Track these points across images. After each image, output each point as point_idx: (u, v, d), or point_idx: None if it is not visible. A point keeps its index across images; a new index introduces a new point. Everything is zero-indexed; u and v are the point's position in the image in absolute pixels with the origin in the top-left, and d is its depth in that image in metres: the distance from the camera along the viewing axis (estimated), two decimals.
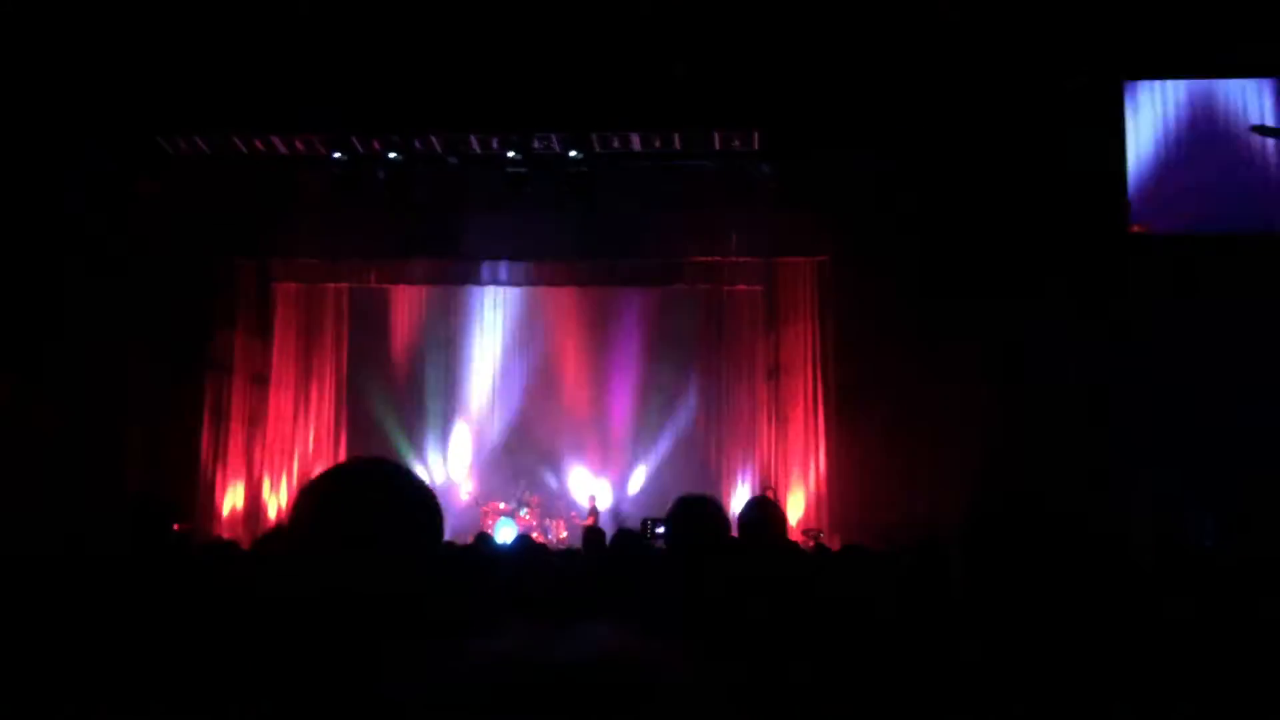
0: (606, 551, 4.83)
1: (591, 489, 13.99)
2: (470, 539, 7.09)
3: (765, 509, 3.45)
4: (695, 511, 2.97)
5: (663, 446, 14.08)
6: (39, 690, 2.39)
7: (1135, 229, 10.75)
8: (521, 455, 14.15)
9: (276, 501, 13.51)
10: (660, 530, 7.95)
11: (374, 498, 1.50)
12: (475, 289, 14.41)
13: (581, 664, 0.75)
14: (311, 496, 1.54)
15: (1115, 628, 2.06)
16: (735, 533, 3.42)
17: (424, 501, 1.53)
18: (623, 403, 14.37)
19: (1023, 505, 2.07)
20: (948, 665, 1.95)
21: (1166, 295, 10.40)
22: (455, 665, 0.80)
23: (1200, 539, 8.85)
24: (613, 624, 0.79)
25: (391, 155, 11.78)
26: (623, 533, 4.50)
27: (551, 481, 14.06)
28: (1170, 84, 11.03)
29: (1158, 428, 10.21)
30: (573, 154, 11.63)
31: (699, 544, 2.84)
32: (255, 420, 13.42)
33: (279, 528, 7.80)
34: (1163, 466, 9.99)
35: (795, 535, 11.35)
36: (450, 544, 6.11)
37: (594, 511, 13.41)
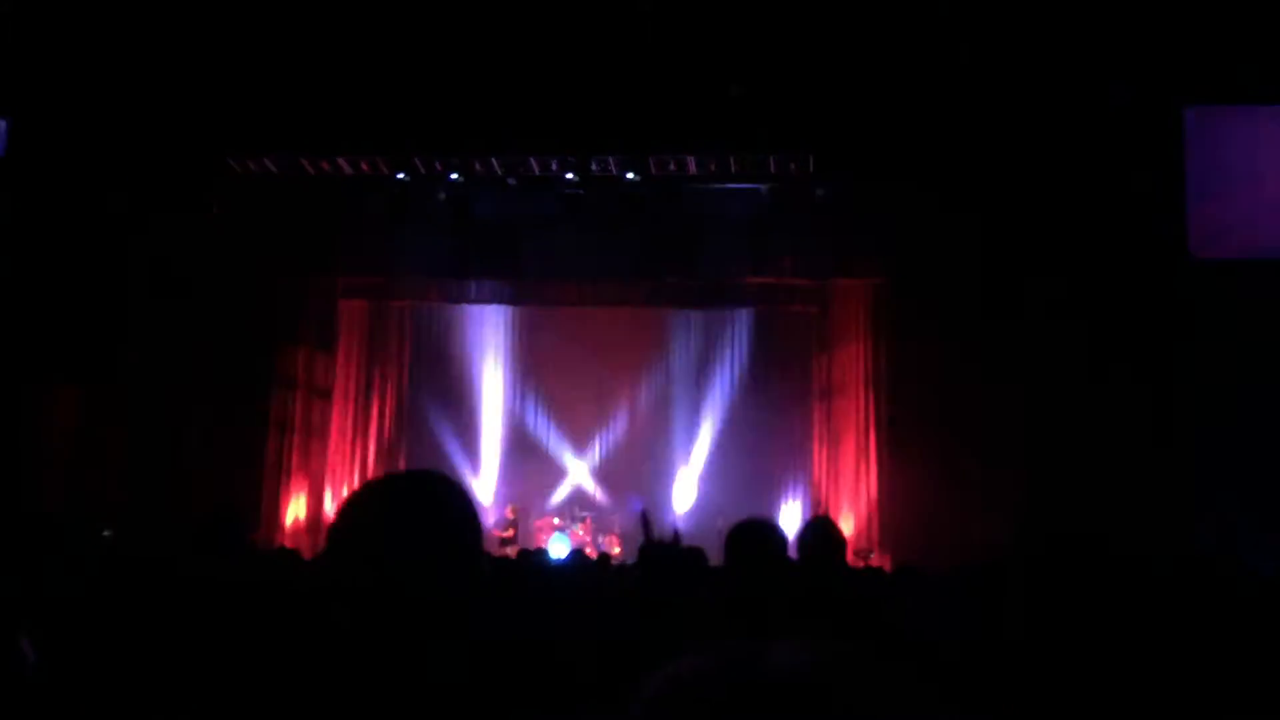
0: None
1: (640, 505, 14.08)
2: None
3: (825, 531, 3.43)
4: (756, 536, 3.03)
5: (715, 465, 14.14)
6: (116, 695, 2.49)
7: (1196, 255, 10.62)
8: (575, 471, 14.31)
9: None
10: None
11: (411, 512, 1.54)
12: (532, 308, 14.62)
13: (802, 672, 0.75)
14: (354, 508, 1.57)
15: (1176, 656, 2.04)
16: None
17: (463, 517, 1.57)
18: (676, 421, 14.46)
19: (1080, 539, 2.09)
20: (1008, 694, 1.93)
21: (1226, 322, 10.28)
22: (664, 680, 0.78)
23: (1264, 567, 8.71)
24: (809, 636, 0.79)
25: (452, 176, 12.01)
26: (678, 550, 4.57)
27: (604, 498, 14.20)
28: (1231, 108, 10.91)
29: (1219, 455, 10.08)
30: (630, 176, 11.79)
31: (759, 569, 2.90)
32: (318, 433, 13.68)
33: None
34: (1223, 493, 9.86)
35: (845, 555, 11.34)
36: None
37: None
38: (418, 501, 1.55)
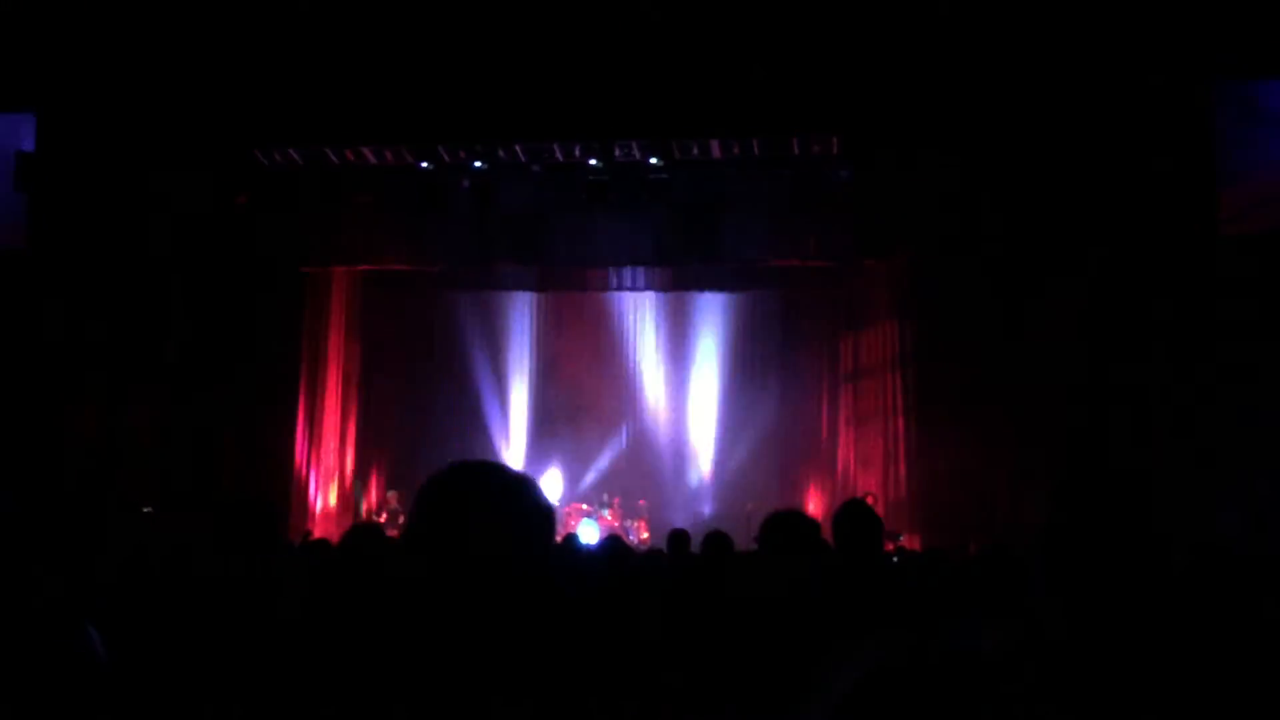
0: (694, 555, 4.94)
1: (668, 491, 14.13)
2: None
3: (861, 514, 3.41)
4: (789, 524, 3.02)
5: (742, 449, 14.13)
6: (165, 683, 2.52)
7: (1228, 230, 10.47)
8: (602, 457, 14.33)
9: (366, 501, 13.88)
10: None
11: (496, 502, 1.53)
12: (557, 295, 14.64)
13: (975, 655, 0.77)
14: (432, 498, 1.55)
15: (1200, 638, 2.03)
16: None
17: (539, 505, 1.56)
18: (702, 406, 14.46)
19: (1102, 514, 2.02)
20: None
21: (1259, 297, 10.14)
22: (857, 680, 0.79)
23: None
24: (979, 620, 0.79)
25: (476, 164, 12.02)
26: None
27: (632, 483, 14.20)
28: (1261, 82, 10.73)
29: (1251, 434, 9.96)
30: (653, 160, 11.76)
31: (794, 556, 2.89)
32: (346, 421, 13.77)
33: (366, 525, 8.05)
34: (1257, 475, 9.74)
35: None
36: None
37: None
38: (498, 490, 1.54)
